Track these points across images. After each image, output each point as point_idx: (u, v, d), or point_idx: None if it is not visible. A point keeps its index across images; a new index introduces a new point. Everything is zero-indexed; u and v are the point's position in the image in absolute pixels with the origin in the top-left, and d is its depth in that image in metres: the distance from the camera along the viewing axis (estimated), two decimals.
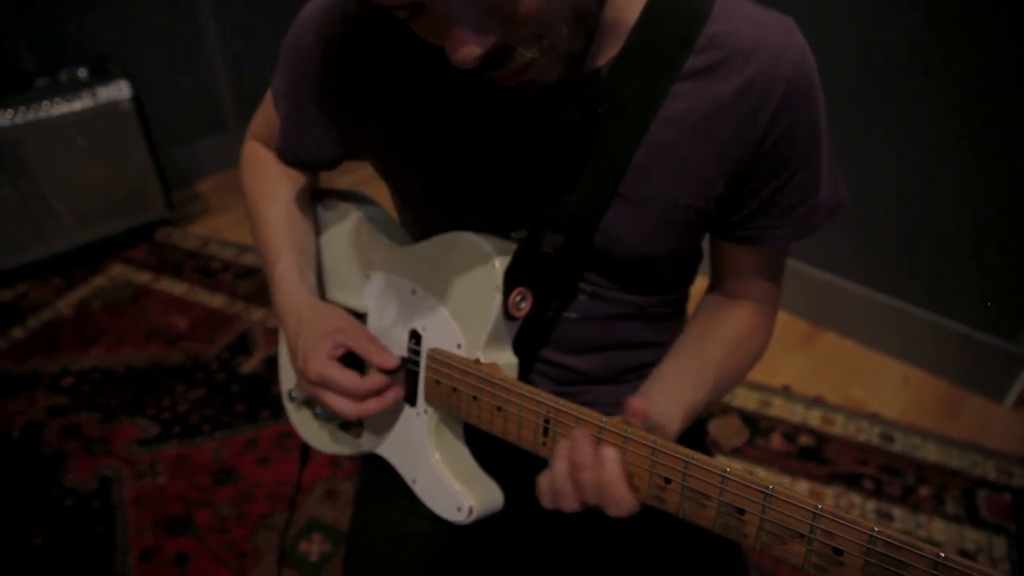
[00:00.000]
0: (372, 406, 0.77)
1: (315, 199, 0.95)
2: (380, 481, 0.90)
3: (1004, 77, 1.64)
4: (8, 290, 2.33)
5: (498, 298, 0.70)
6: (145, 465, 1.72)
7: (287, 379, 0.98)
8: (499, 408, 0.68)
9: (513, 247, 0.71)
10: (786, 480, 1.69)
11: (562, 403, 0.62)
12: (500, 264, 0.70)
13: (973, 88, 1.69)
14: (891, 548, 0.45)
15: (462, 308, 0.74)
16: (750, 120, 0.66)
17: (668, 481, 0.56)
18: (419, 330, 0.78)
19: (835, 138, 0.73)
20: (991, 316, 1.87)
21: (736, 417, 1.86)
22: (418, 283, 0.79)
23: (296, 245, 0.88)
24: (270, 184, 0.90)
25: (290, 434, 1.78)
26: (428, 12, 0.56)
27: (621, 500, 0.60)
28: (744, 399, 1.91)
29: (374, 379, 0.76)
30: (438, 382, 0.75)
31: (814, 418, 1.86)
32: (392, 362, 0.77)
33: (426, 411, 0.79)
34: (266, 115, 0.91)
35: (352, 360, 0.78)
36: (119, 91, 2.33)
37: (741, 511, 0.52)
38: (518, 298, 0.71)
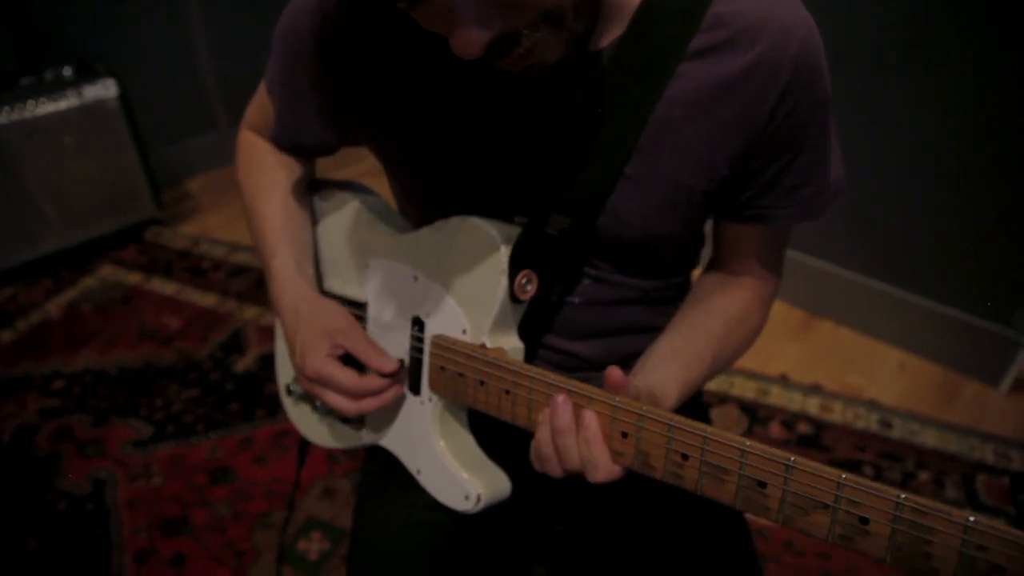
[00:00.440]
0: (371, 403, 0.76)
1: (312, 190, 0.93)
2: (383, 473, 0.89)
3: (1000, 64, 1.64)
4: None
5: (504, 281, 0.69)
6: (139, 467, 1.70)
7: (285, 373, 0.97)
8: (507, 392, 0.67)
9: (518, 230, 0.70)
10: None
11: (573, 384, 0.61)
12: (506, 247, 0.69)
13: (968, 75, 1.69)
14: (919, 514, 0.45)
15: (467, 293, 0.73)
16: (758, 99, 0.65)
17: (685, 457, 0.55)
18: (422, 317, 0.77)
19: None
20: (986, 301, 1.88)
21: (734, 406, 1.86)
22: (420, 269, 0.77)
23: (293, 237, 0.87)
24: (266, 175, 0.89)
25: (287, 432, 1.76)
26: (429, 2, 0.54)
27: (599, 462, 0.60)
28: (742, 388, 1.91)
29: (371, 380, 0.76)
30: (443, 368, 0.74)
31: (812, 406, 1.86)
32: (390, 366, 0.76)
33: (430, 399, 0.78)
34: (261, 103, 0.89)
35: (351, 357, 0.77)
36: (106, 89, 2.30)
37: (762, 484, 0.51)
38: (524, 281, 0.70)
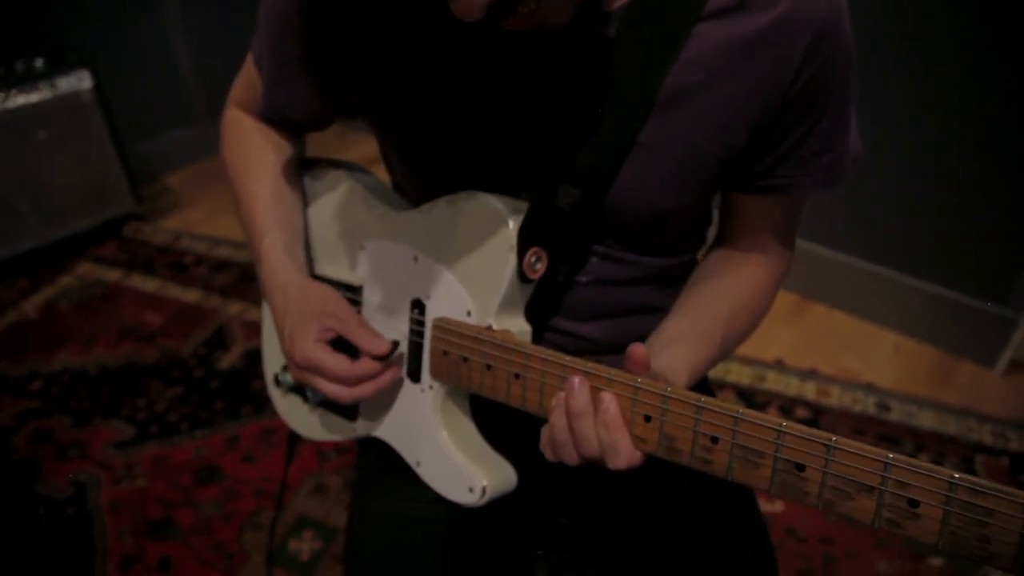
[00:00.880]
0: (367, 388, 0.73)
1: (303, 170, 0.89)
2: (380, 466, 0.85)
3: (994, 46, 1.63)
4: None
5: (512, 259, 0.65)
6: (122, 468, 1.65)
7: (272, 362, 0.92)
8: (517, 376, 0.63)
9: (526, 205, 0.66)
10: None
11: (590, 365, 0.58)
12: (514, 222, 0.65)
13: (961, 54, 1.67)
14: (975, 495, 0.41)
15: (472, 273, 0.69)
16: (781, 59, 0.61)
17: (715, 441, 0.51)
18: (422, 299, 0.73)
19: None
20: (980, 281, 1.86)
21: (731, 393, 1.84)
22: (420, 249, 0.73)
23: (283, 219, 0.83)
24: (254, 154, 0.84)
25: (275, 429, 1.72)
26: None
27: (620, 447, 0.57)
28: (738, 374, 1.89)
29: (365, 364, 0.72)
30: (446, 353, 0.70)
31: (809, 390, 1.84)
32: (383, 348, 0.72)
33: (431, 386, 0.74)
34: (247, 78, 0.85)
35: (343, 342, 0.73)
36: (80, 81, 2.24)
37: (800, 467, 0.47)
38: (533, 259, 0.66)
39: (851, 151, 0.70)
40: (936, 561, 1.43)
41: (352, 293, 0.81)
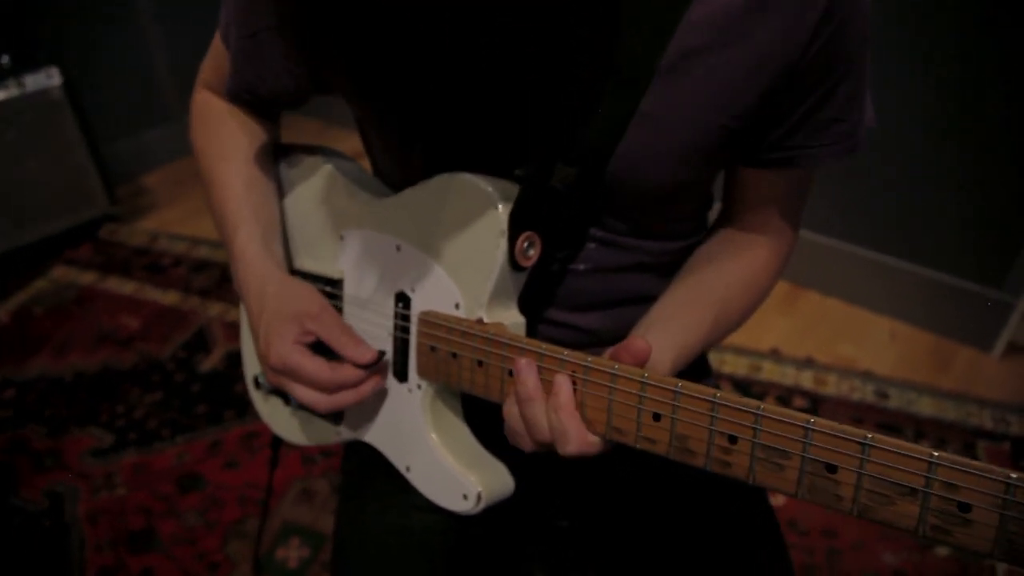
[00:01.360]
0: (346, 398, 0.68)
1: (278, 156, 0.83)
2: (367, 472, 0.81)
3: (990, 28, 1.59)
4: None
5: (503, 245, 0.60)
6: (100, 477, 1.60)
7: (252, 364, 0.87)
8: (511, 372, 0.58)
9: (517, 186, 0.61)
10: None
11: (591, 359, 0.53)
12: (504, 205, 0.60)
13: (953, 35, 1.64)
14: None
15: (459, 262, 0.63)
16: (796, 19, 0.56)
17: (734, 440, 0.46)
18: (407, 292, 0.68)
19: None
20: (976, 265, 1.84)
21: (727, 383, 1.80)
22: (403, 238, 0.68)
23: (259, 210, 0.77)
24: (226, 139, 0.79)
25: (258, 433, 1.66)
26: None
27: (570, 430, 0.54)
28: (733, 365, 1.85)
29: (346, 370, 0.67)
30: (433, 349, 0.65)
31: (806, 379, 1.81)
32: (368, 356, 0.67)
33: (419, 386, 0.69)
34: (216, 57, 0.79)
35: (323, 347, 0.68)
36: (48, 79, 2.16)
37: (832, 468, 0.43)
38: (526, 244, 0.61)
39: (865, 120, 0.65)
40: (943, 551, 1.40)
41: (332, 287, 0.76)
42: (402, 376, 0.70)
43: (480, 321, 0.62)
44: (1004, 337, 1.87)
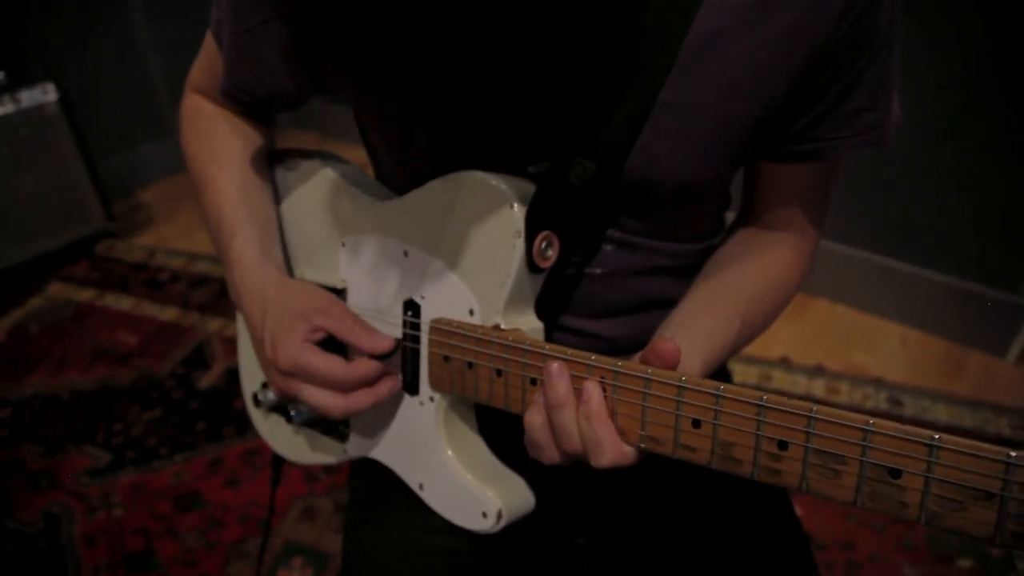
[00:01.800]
0: (363, 399, 0.64)
1: (273, 162, 0.80)
2: (377, 491, 0.77)
3: (996, 27, 1.57)
4: None
5: (520, 245, 0.56)
6: (97, 498, 1.56)
7: (251, 380, 0.83)
8: (534, 381, 0.54)
9: (531, 183, 0.58)
10: None
11: (621, 363, 0.49)
12: (520, 204, 0.56)
13: (962, 38, 1.62)
14: None
15: (473, 265, 0.60)
16: None
17: (784, 447, 0.42)
18: (416, 299, 0.64)
19: None
20: (988, 269, 1.81)
21: None
22: (411, 242, 0.65)
23: (255, 215, 0.73)
24: (218, 143, 0.75)
25: (259, 450, 1.62)
26: None
27: (604, 440, 0.50)
28: (743, 374, 1.82)
29: (363, 365, 0.63)
30: (447, 359, 0.61)
31: (818, 388, 1.78)
32: (386, 344, 0.64)
33: (431, 399, 0.65)
34: (207, 58, 0.76)
35: (331, 345, 0.64)
36: (44, 94, 2.14)
37: (896, 473, 0.39)
38: (543, 245, 0.57)
39: (893, 114, 0.62)
40: (964, 562, 1.36)
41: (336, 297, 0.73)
42: (412, 389, 0.66)
43: (497, 327, 0.59)
44: (1019, 342, 1.83)
